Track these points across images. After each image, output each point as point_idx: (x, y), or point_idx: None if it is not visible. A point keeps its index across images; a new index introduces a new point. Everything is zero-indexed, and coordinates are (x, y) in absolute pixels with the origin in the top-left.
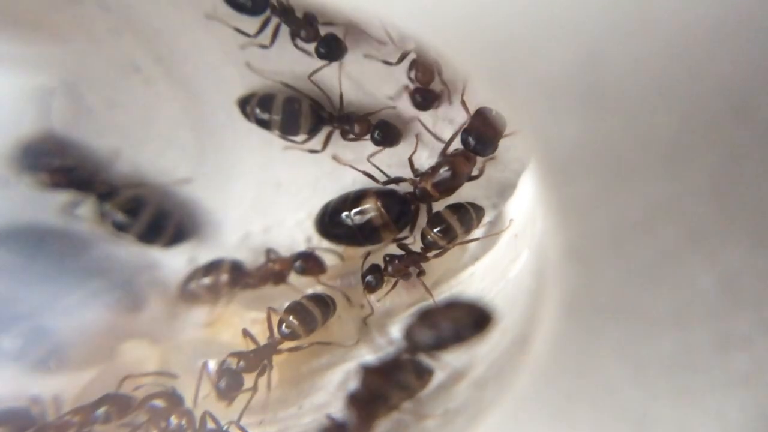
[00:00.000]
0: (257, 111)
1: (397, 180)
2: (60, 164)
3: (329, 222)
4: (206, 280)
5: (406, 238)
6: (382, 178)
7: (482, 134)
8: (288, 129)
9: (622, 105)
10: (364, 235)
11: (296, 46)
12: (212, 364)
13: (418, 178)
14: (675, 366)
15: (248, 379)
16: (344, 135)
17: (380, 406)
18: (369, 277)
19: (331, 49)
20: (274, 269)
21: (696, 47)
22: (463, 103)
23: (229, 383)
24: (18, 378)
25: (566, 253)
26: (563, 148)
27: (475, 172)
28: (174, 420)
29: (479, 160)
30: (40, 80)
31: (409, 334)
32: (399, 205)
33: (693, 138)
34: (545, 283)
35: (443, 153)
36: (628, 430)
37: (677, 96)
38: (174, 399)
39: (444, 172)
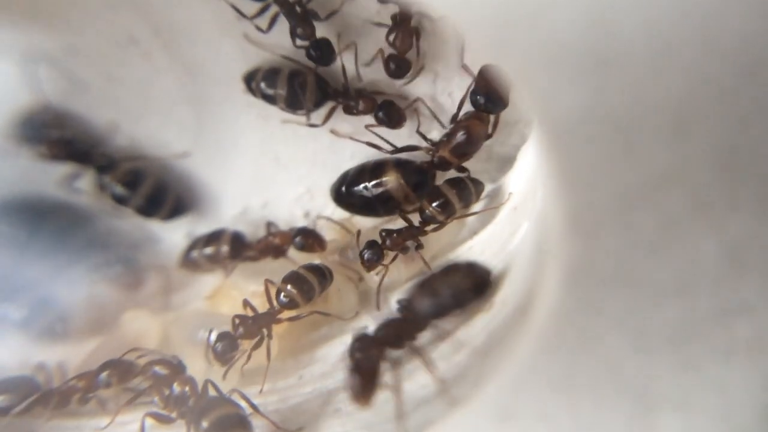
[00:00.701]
0: (263, 86)
1: (411, 148)
2: (59, 136)
3: (347, 192)
4: (207, 250)
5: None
6: (388, 147)
7: (491, 92)
8: (293, 104)
9: (627, 70)
10: (382, 205)
11: (296, 45)
12: (214, 335)
13: (434, 147)
14: (677, 336)
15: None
16: (348, 110)
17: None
18: (368, 253)
19: (322, 54)
20: (274, 243)
21: (703, 11)
22: (465, 67)
23: (224, 346)
24: (24, 347)
25: (568, 222)
26: (567, 115)
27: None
28: (177, 387)
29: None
30: (36, 53)
31: (409, 303)
32: (418, 176)
33: (699, 104)
34: (545, 254)
35: (455, 118)
36: (628, 402)
37: (684, 61)
38: (176, 367)
39: (460, 136)
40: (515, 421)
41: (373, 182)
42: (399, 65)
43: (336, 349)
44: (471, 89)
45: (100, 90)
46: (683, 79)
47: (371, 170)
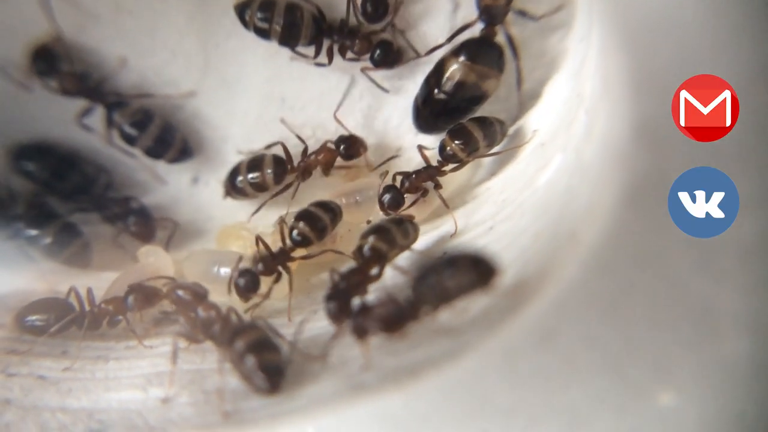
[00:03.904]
0: (258, 18)
1: (465, 28)
2: (69, 70)
3: (426, 110)
4: (252, 175)
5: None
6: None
7: None
8: (288, 39)
9: None
10: (468, 101)
11: None
12: (224, 271)
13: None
14: (754, 250)
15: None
16: (343, 52)
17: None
18: (387, 198)
19: None
20: (318, 160)
21: None
22: None
23: (247, 283)
24: (49, 275)
25: (635, 134)
26: (648, 17)
27: None
28: (202, 312)
29: None
30: None
31: (414, 289)
32: (481, 48)
33: None
34: (595, 176)
35: None
36: (690, 324)
37: None
38: (199, 292)
39: None
40: (557, 344)
41: (443, 82)
42: (375, 7)
43: None
44: None
45: (110, 22)
46: None
47: (434, 74)
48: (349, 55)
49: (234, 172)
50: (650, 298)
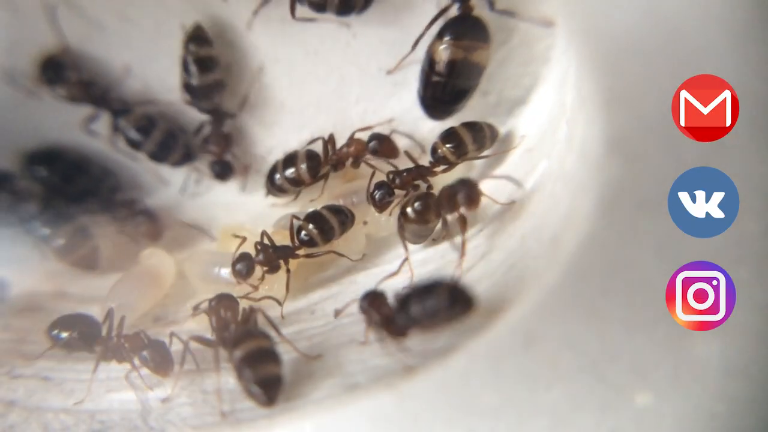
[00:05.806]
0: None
1: (442, 12)
2: (77, 78)
3: (429, 95)
4: (288, 172)
5: None
6: None
7: None
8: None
9: None
10: (463, 78)
11: None
12: (225, 272)
13: None
14: (754, 252)
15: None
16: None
17: None
18: (378, 193)
19: None
20: (349, 152)
21: None
22: None
23: (243, 267)
24: (58, 276)
25: (608, 144)
26: (617, 36)
27: None
28: (223, 312)
29: None
30: None
31: (396, 317)
32: (461, 25)
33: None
34: (575, 184)
35: None
36: (664, 328)
37: None
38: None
39: None
40: (539, 347)
41: (436, 66)
42: None
43: (344, 288)
44: None
45: (114, 31)
46: None
47: (427, 63)
48: None
49: (272, 171)
50: (626, 303)
